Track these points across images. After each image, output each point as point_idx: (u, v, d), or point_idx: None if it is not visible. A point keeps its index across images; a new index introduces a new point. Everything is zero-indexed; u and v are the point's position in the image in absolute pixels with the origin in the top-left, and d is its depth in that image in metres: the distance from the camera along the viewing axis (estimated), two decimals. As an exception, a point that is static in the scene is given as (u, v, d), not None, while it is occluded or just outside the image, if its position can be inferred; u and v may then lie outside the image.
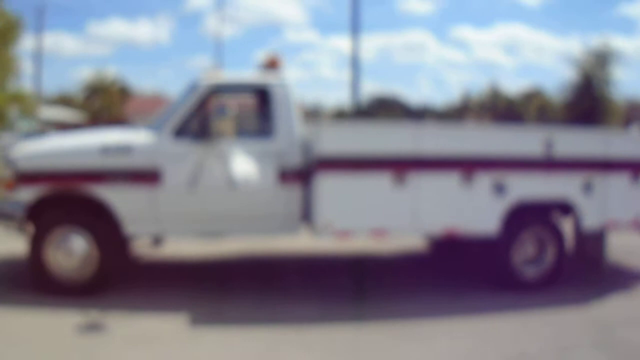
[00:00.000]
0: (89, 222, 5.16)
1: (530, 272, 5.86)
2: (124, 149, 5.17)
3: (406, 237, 7.09)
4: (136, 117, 38.56)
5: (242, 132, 5.56)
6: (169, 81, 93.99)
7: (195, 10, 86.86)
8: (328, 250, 7.33)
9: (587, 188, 5.87)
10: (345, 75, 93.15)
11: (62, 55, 77.37)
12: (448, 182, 5.44)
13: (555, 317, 5.06)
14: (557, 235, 5.91)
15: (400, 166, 5.32)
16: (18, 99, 14.75)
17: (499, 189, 5.57)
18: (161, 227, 5.31)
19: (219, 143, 5.20)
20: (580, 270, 6.57)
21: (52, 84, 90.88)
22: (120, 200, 5.15)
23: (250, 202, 5.28)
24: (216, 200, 5.23)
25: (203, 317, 4.83)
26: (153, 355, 4.09)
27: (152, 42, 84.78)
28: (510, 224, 5.73)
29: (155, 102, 48.14)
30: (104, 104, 41.62)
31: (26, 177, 5.11)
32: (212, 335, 4.48)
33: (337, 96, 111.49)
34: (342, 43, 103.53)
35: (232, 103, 6.12)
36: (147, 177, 5.16)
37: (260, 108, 6.04)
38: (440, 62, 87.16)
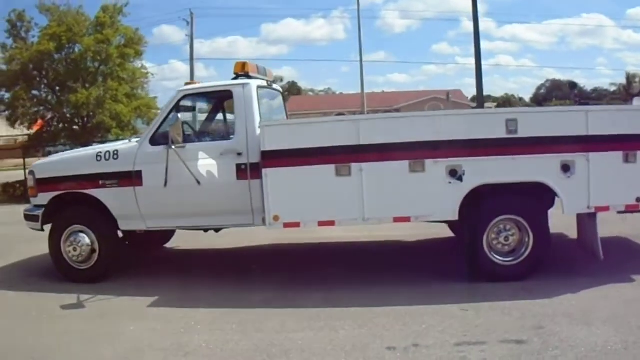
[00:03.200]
0: (91, 221, 6.23)
1: (507, 262, 5.60)
2: (114, 155, 6.15)
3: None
4: (295, 115, 40.95)
5: (211, 134, 6.22)
6: (346, 78, 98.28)
7: (369, 6, 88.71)
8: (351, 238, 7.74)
9: (567, 170, 5.43)
10: (523, 62, 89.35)
11: (239, 58, 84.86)
12: (396, 170, 5.47)
13: (493, 310, 4.85)
14: (534, 222, 5.56)
15: (343, 158, 5.50)
16: (143, 109, 16.95)
17: (455, 174, 5.44)
18: (147, 223, 6.18)
19: (184, 146, 5.89)
20: (573, 259, 6.05)
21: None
22: (112, 200, 6.12)
23: (214, 197, 5.88)
24: (186, 198, 5.92)
25: (167, 299, 5.64)
26: (102, 324, 5.04)
27: (328, 40, 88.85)
28: (477, 211, 5.57)
29: (317, 101, 50.73)
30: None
31: (42, 184, 6.37)
32: (158, 312, 5.29)
33: (517, 83, 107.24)
34: (519, 30, 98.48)
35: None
36: (131, 179, 6.05)
37: (225, 112, 6.62)
38: (617, 45, 79.31)
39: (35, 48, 15.82)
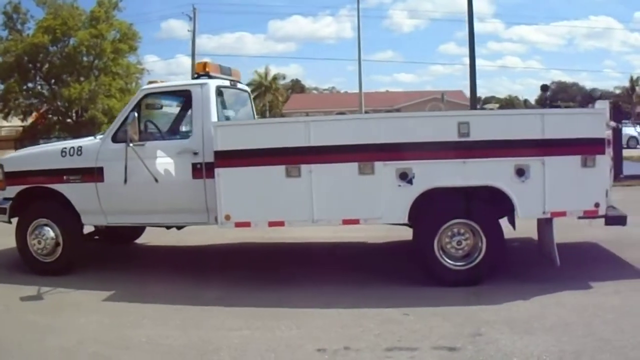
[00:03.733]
0: (55, 215, 6.31)
1: (459, 267, 5.54)
2: (77, 151, 6.21)
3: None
4: (295, 113, 41.46)
5: (170, 133, 6.25)
6: (352, 77, 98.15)
7: (377, 5, 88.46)
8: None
9: (521, 174, 5.34)
10: (530, 64, 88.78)
11: (245, 54, 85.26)
12: (345, 172, 5.43)
13: (435, 315, 4.79)
14: (487, 227, 5.49)
15: (293, 159, 5.48)
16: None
17: (405, 177, 5.38)
18: (107, 219, 6.25)
19: (144, 144, 5.93)
20: (532, 264, 5.96)
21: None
22: (75, 195, 6.19)
23: (171, 195, 5.92)
24: (144, 195, 5.96)
25: (123, 293, 5.71)
26: (54, 316, 5.15)
27: (336, 38, 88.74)
28: (428, 214, 5.52)
29: (319, 99, 50.77)
30: (267, 101, 44.68)
31: (10, 178, 6.46)
32: (112, 306, 5.40)
33: (523, 84, 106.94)
34: (527, 32, 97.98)
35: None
36: (93, 175, 6.11)
37: (185, 111, 6.63)
38: (625, 47, 78.31)
39: (30, 40, 15.99)
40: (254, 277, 6.24)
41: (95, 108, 15.65)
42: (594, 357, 3.85)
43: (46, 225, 6.31)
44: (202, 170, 5.81)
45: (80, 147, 6.23)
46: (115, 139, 6.10)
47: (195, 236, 7.70)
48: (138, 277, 6.35)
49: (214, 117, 5.91)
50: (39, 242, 6.29)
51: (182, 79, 6.51)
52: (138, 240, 8.01)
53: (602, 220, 5.56)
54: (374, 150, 5.40)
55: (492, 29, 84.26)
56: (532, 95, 76.16)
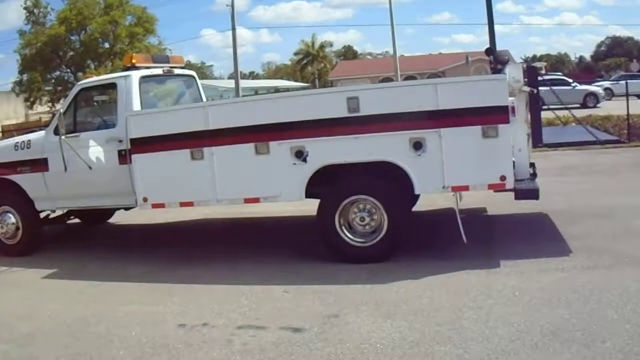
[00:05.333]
0: (14, 203, 6.96)
1: (361, 243, 5.50)
2: (27, 144, 6.82)
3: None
4: (341, 81, 41.47)
5: (101, 124, 6.65)
6: (411, 40, 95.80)
7: None
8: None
9: (418, 147, 5.17)
10: (588, 19, 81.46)
11: (301, 23, 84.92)
12: (243, 153, 5.53)
13: (314, 293, 4.84)
14: (388, 203, 5.39)
15: (196, 143, 5.66)
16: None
17: (301, 155, 5.40)
18: (55, 204, 6.84)
19: (78, 135, 6.40)
20: (447, 242, 5.73)
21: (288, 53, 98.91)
22: (28, 184, 6.80)
23: (103, 181, 6.34)
24: (82, 181, 6.43)
25: (63, 271, 6.24)
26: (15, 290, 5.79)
27: (393, 2, 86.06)
28: (327, 191, 5.52)
29: (366, 65, 50.00)
30: (315, 69, 44.56)
31: None
32: (46, 283, 5.93)
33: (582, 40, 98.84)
34: None
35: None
36: (40, 165, 6.68)
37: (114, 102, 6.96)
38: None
39: (48, 32, 17.08)
40: (185, 254, 6.52)
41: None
42: (431, 348, 3.69)
43: (8, 212, 6.98)
44: (126, 157, 6.16)
45: (29, 140, 6.84)
46: (55, 131, 6.60)
47: (169, 214, 8.11)
48: (87, 255, 6.85)
49: (136, 107, 6.23)
50: (2, 227, 6.98)
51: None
52: (112, 220, 8.59)
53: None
54: (268, 130, 5.45)
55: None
56: (588, 52, 70.57)
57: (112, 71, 17.26)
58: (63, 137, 6.27)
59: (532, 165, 5.97)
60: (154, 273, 5.88)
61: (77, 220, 8.22)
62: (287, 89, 38.37)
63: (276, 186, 5.54)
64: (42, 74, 17.50)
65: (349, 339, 3.95)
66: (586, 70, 53.93)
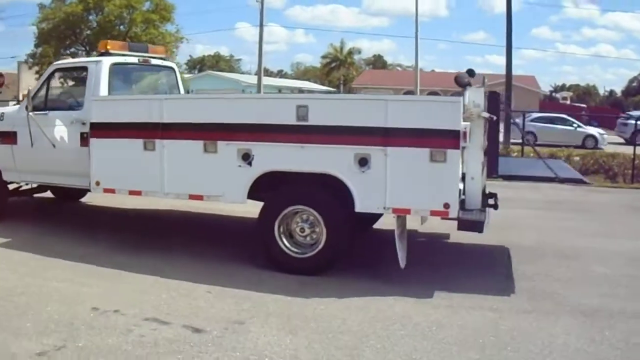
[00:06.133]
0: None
1: (297, 254, 5.42)
2: (0, 117, 6.96)
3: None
4: (364, 88, 41.70)
5: (70, 104, 6.74)
6: (442, 56, 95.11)
7: None
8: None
9: (363, 164, 5.06)
10: (624, 53, 79.09)
11: (338, 27, 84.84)
12: (192, 150, 5.53)
13: (232, 297, 4.80)
14: (328, 216, 5.28)
15: (149, 134, 5.68)
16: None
17: (247, 158, 5.35)
18: (20, 177, 6.98)
19: (47, 113, 6.51)
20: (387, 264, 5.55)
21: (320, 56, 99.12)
22: None
23: (64, 160, 6.44)
24: (45, 158, 6.57)
25: (25, 245, 6.25)
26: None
27: (429, 16, 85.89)
28: (270, 197, 5.47)
29: (391, 76, 50.28)
30: (341, 75, 44.60)
31: None
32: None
33: (616, 74, 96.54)
34: (623, 19, 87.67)
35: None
36: (10, 138, 6.83)
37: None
38: None
39: (64, 9, 17.44)
40: (138, 241, 6.54)
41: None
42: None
43: None
44: (88, 139, 6.23)
45: (3, 113, 7.00)
46: (27, 107, 6.71)
47: (139, 200, 8.12)
48: (46, 230, 6.95)
49: (103, 92, 6.30)
50: None
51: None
52: (85, 199, 8.69)
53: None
54: (217, 130, 5.43)
55: (587, 14, 76.22)
56: (621, 86, 68.24)
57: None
58: (30, 113, 6.38)
59: (492, 195, 5.80)
60: (98, 255, 5.89)
61: (50, 195, 8.37)
62: (310, 91, 38.61)
63: (220, 186, 5.51)
64: (56, 49, 17.92)
65: (241, 347, 3.88)
66: (615, 105, 52.55)
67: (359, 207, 5.13)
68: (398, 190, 5.00)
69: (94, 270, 5.47)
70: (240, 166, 5.36)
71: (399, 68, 66.02)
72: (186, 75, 48.84)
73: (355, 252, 5.75)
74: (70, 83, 7.38)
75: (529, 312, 4.62)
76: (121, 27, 17.69)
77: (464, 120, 4.91)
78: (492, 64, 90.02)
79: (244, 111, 5.42)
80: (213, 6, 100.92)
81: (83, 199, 8.68)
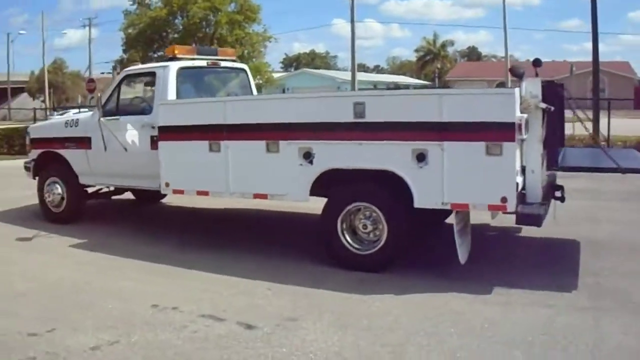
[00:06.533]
0: (62, 175, 7.62)
1: (360, 251, 5.41)
2: (75, 123, 7.49)
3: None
4: (458, 81, 40.65)
5: (141, 109, 7.07)
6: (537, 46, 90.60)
7: None
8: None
9: (421, 159, 4.97)
10: None
11: (432, 20, 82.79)
12: (255, 150, 5.66)
13: (294, 294, 4.86)
14: (388, 213, 5.24)
15: (214, 135, 5.88)
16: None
17: (308, 156, 5.41)
18: (95, 180, 7.45)
19: (119, 118, 6.92)
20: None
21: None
22: (73, 159, 7.46)
23: (136, 163, 6.81)
24: (118, 161, 6.98)
25: (87, 243, 6.75)
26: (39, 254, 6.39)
27: (522, 5, 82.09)
28: (331, 195, 5.51)
29: (485, 68, 48.83)
30: (436, 68, 43.74)
31: (33, 143, 8.02)
32: (64, 250, 6.50)
33: None
34: None
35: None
36: (84, 143, 7.30)
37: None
38: None
39: (149, 14, 18.07)
40: (205, 240, 6.78)
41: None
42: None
43: (56, 182, 7.68)
44: (157, 143, 6.57)
45: (78, 119, 7.50)
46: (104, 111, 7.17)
47: (210, 201, 8.40)
48: (118, 231, 7.33)
49: (171, 96, 6.61)
50: (49, 196, 7.70)
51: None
52: (165, 200, 9.08)
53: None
54: (279, 130, 5.53)
55: None
56: None
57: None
58: (102, 119, 6.83)
59: (559, 188, 5.56)
60: (165, 254, 6.12)
61: (130, 197, 8.86)
62: (407, 86, 38.09)
63: (283, 185, 5.61)
64: (143, 53, 18.79)
65: (288, 344, 3.92)
66: None
67: (418, 203, 5.04)
68: (456, 185, 4.87)
69: (160, 269, 5.69)
70: (301, 165, 5.43)
71: (493, 59, 63.81)
72: (282, 74, 49.78)
73: (421, 248, 5.64)
74: (141, 88, 7.74)
75: (586, 309, 4.37)
76: (207, 29, 18.28)
77: (521, 112, 4.69)
78: (588, 50, 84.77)
79: (304, 110, 5.49)
80: (310, 3, 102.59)
81: (163, 200, 9.08)
